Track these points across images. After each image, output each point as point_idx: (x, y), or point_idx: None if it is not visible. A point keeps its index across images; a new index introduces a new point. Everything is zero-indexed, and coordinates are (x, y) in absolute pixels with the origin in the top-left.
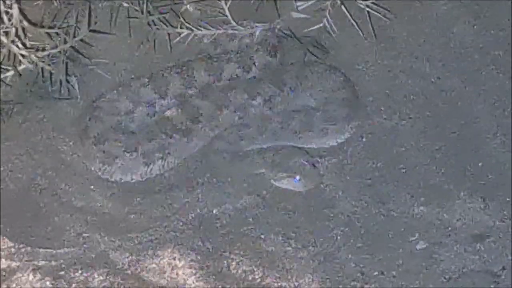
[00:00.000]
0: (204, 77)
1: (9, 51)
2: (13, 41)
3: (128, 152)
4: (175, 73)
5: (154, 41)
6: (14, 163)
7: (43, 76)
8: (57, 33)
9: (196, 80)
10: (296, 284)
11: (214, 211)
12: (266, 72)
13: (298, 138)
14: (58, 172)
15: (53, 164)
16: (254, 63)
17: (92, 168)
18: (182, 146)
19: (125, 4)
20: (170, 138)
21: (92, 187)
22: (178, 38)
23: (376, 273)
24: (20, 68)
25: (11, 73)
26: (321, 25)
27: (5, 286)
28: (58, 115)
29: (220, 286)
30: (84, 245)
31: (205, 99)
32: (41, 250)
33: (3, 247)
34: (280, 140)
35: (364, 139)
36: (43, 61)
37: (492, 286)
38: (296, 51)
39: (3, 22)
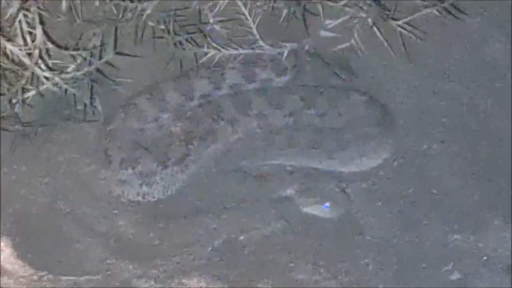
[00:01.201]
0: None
1: (32, 73)
2: (36, 63)
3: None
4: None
5: (180, 61)
6: (35, 186)
7: (66, 98)
8: (81, 55)
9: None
10: None
11: (241, 238)
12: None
13: (332, 158)
14: (80, 195)
15: (75, 187)
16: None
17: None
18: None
19: (151, 24)
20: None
21: (115, 211)
22: (204, 58)
23: None
24: (42, 89)
25: (32, 93)
26: (348, 44)
27: None
28: (81, 137)
29: None
30: (107, 272)
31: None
32: (63, 277)
33: (25, 274)
34: (309, 158)
35: (395, 163)
36: (67, 83)
37: None
38: (322, 71)
39: (26, 43)
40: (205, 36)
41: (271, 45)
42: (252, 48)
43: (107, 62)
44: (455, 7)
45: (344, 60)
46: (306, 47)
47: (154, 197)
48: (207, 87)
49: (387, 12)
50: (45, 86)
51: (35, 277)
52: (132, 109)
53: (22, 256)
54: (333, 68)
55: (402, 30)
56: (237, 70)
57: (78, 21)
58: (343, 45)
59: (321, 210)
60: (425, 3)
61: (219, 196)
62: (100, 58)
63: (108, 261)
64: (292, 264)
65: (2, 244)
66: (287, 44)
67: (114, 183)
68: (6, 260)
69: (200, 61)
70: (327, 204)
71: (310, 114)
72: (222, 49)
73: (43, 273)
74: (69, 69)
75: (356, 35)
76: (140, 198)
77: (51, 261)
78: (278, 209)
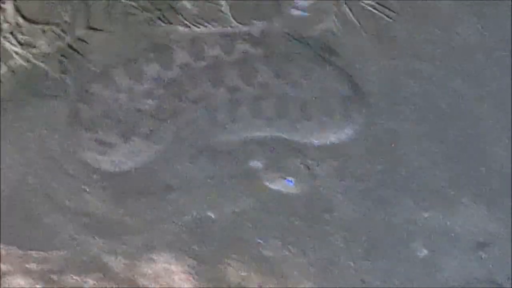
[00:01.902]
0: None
1: (2, 48)
2: (5, 37)
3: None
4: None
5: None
6: (5, 162)
7: (36, 74)
8: (52, 30)
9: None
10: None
11: (210, 214)
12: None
13: (296, 129)
14: (50, 171)
15: (45, 163)
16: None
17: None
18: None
19: (123, 0)
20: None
21: (85, 187)
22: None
23: (377, 281)
24: (13, 64)
25: (4, 69)
26: (327, 25)
27: None
28: (51, 113)
29: None
30: (77, 248)
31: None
32: (32, 252)
33: None
34: (276, 128)
35: (365, 142)
36: (37, 59)
37: None
38: (304, 53)
39: None
40: (176, 13)
41: (242, 23)
42: (223, 26)
43: (78, 38)
44: None
45: (324, 41)
46: (276, 26)
47: (112, 169)
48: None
49: None
50: (15, 62)
51: (3, 252)
52: (105, 80)
53: None
54: (315, 50)
55: (374, 10)
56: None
57: None
58: (323, 26)
59: (286, 185)
60: None
61: (188, 173)
62: (72, 33)
63: (77, 236)
64: (260, 241)
65: None
66: (258, 22)
67: (79, 149)
68: None
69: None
70: (291, 179)
71: (279, 84)
72: (193, 27)
73: (12, 247)
74: (40, 44)
75: (334, 17)
76: (98, 166)
77: (20, 236)
78: (246, 185)
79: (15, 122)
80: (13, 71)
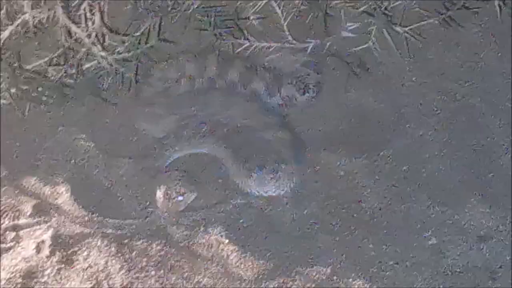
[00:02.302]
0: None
1: (89, 51)
2: (93, 43)
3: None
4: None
5: (219, 50)
6: (71, 143)
7: (116, 76)
8: (130, 40)
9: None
10: (318, 260)
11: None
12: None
13: None
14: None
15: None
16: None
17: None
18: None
19: (198, 16)
20: None
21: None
22: (240, 49)
23: (391, 262)
24: (90, 65)
25: (87, 65)
26: (366, 45)
27: (76, 249)
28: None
29: (259, 263)
30: (147, 218)
31: None
32: (110, 220)
33: (79, 215)
34: None
35: (393, 144)
36: (118, 63)
37: (489, 282)
38: (341, 68)
39: (87, 27)
40: (241, 30)
41: (298, 41)
42: (282, 43)
43: (152, 47)
44: (454, 20)
45: (360, 59)
46: (328, 45)
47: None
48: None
49: (395, 20)
50: (98, 64)
51: (87, 218)
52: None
53: (78, 200)
54: (351, 65)
55: (408, 36)
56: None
57: (140, 9)
58: (362, 46)
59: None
60: (428, 14)
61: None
62: (146, 43)
63: (148, 209)
64: (295, 219)
65: (62, 189)
66: (312, 41)
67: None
68: (65, 203)
69: (236, 51)
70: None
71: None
72: (255, 42)
73: (94, 215)
74: (120, 51)
75: (373, 38)
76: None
77: (101, 206)
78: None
79: (90, 112)
80: (89, 71)
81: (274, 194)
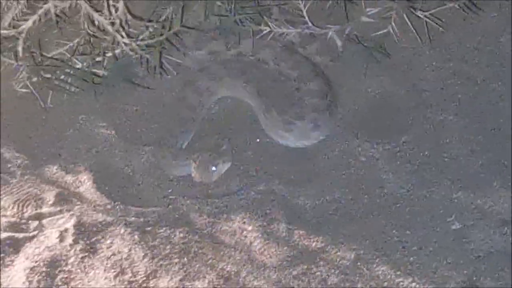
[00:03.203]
0: None
1: (114, 38)
2: (117, 31)
3: None
4: None
5: (239, 35)
6: (96, 136)
7: (141, 62)
8: (153, 26)
9: None
10: (341, 246)
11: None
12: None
13: None
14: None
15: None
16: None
17: None
18: None
19: (219, 3)
20: None
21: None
22: (260, 35)
23: (415, 247)
24: (117, 52)
25: (109, 54)
26: (386, 30)
27: (99, 237)
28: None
29: (282, 250)
30: (170, 206)
31: None
32: (133, 208)
33: (101, 203)
34: None
35: (414, 129)
36: (143, 49)
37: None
38: (360, 53)
39: (110, 14)
40: (261, 16)
41: (318, 27)
42: (301, 28)
43: (175, 33)
44: (474, 4)
45: (381, 43)
46: (348, 30)
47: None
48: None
49: (416, 4)
50: (123, 50)
51: (109, 206)
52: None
53: (100, 188)
54: (371, 50)
55: (428, 20)
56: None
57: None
58: (382, 31)
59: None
60: None
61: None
62: (170, 29)
63: (170, 197)
64: (316, 210)
65: (84, 177)
66: (331, 26)
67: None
68: (87, 191)
69: (257, 37)
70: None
71: None
72: (275, 28)
73: (116, 203)
74: (143, 37)
75: (393, 23)
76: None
77: (123, 194)
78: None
79: (112, 101)
80: (116, 58)
81: (312, 143)
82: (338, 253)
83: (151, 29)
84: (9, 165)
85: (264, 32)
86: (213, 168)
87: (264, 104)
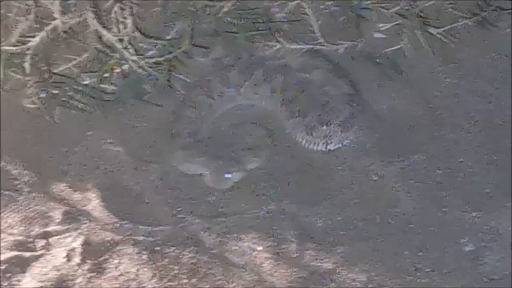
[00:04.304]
0: None
1: (122, 56)
2: (125, 48)
3: None
4: None
5: (250, 54)
6: (104, 153)
7: (149, 80)
8: (163, 44)
9: None
10: (353, 267)
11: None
12: None
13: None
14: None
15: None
16: None
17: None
18: None
19: (229, 20)
20: None
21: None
22: (271, 51)
23: (428, 269)
24: (125, 69)
25: (118, 70)
26: (398, 47)
27: (107, 257)
28: (149, 113)
29: (292, 271)
30: (179, 225)
31: None
32: (141, 227)
33: (109, 221)
34: None
35: (427, 148)
36: (150, 67)
37: None
38: (371, 70)
39: (119, 31)
40: (272, 32)
41: (330, 43)
42: (312, 44)
43: (183, 52)
44: (488, 20)
45: (393, 60)
46: (359, 46)
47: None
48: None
49: (428, 21)
50: (131, 68)
51: (117, 225)
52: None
53: (108, 206)
54: (384, 67)
55: (441, 37)
56: None
57: (168, 12)
58: (394, 48)
59: None
60: (462, 15)
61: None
62: (179, 48)
63: (179, 216)
64: (328, 230)
65: (93, 195)
66: (343, 42)
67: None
68: (95, 209)
69: (267, 53)
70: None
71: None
72: (286, 44)
73: (124, 222)
74: (152, 54)
75: (405, 39)
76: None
77: (132, 212)
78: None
79: (120, 117)
80: (124, 76)
81: (336, 147)
82: (350, 275)
83: (159, 46)
84: (16, 182)
85: (275, 48)
86: (227, 175)
87: (288, 110)
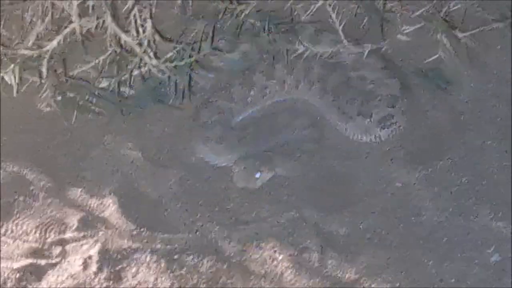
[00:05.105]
0: None
1: (141, 60)
2: (145, 52)
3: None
4: None
5: (273, 56)
6: (137, 154)
7: (168, 84)
8: (183, 48)
9: None
10: (376, 277)
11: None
12: None
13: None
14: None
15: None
16: None
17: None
18: None
19: (251, 22)
20: None
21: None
22: (295, 54)
23: (453, 280)
24: (144, 73)
25: (136, 73)
26: (436, 56)
27: (124, 265)
28: (168, 116)
29: (314, 282)
30: (197, 232)
31: None
32: (159, 234)
33: (127, 229)
34: None
35: (454, 156)
36: (170, 71)
37: None
38: (424, 85)
39: (138, 35)
40: (296, 35)
41: (354, 45)
42: (337, 47)
43: (204, 55)
44: None
45: (439, 71)
46: (384, 48)
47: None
48: None
49: (455, 25)
50: (151, 72)
51: (135, 232)
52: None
53: (125, 213)
54: (434, 79)
55: (467, 41)
56: None
57: (188, 13)
58: (433, 57)
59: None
60: (492, 18)
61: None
62: (199, 51)
63: (198, 223)
64: (350, 238)
65: (109, 201)
66: (367, 45)
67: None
68: (112, 216)
69: (291, 57)
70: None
71: None
72: (310, 47)
73: (142, 229)
74: (172, 58)
75: (443, 48)
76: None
77: (150, 219)
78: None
79: (138, 121)
80: (144, 80)
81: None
82: (373, 285)
83: (179, 50)
84: (31, 188)
85: (299, 51)
86: (258, 175)
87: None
